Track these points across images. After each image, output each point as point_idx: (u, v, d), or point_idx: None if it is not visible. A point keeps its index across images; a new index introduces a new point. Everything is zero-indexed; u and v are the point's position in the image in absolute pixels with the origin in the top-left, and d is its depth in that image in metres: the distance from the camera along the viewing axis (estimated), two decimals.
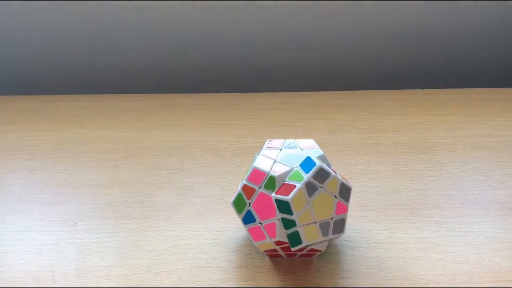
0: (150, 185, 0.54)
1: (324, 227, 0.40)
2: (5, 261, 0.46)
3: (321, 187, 0.40)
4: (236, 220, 0.48)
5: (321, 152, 0.44)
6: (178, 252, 0.47)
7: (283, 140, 0.45)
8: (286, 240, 0.41)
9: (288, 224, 0.40)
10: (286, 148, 0.44)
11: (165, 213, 0.51)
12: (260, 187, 0.42)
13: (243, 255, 0.46)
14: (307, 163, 0.41)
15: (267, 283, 0.44)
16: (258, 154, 0.44)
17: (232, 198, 0.44)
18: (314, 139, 0.45)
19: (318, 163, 0.40)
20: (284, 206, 0.40)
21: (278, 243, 0.42)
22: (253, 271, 0.45)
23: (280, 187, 0.40)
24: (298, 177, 0.40)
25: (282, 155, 0.43)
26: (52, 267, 0.45)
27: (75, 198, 0.52)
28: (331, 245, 0.47)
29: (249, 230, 0.43)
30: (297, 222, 0.39)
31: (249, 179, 0.42)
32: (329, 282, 0.44)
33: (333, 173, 0.41)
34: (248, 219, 0.43)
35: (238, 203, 0.43)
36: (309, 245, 0.41)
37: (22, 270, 0.45)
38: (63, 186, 0.54)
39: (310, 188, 0.40)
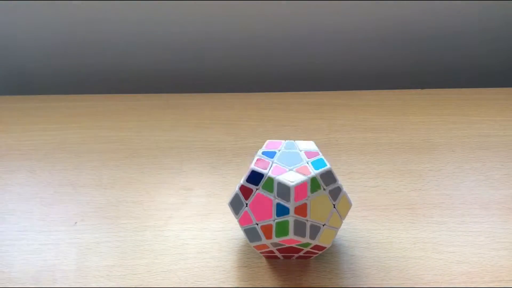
0: (150, 185, 0.54)
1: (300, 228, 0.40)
2: (5, 261, 0.46)
3: (324, 189, 0.41)
4: (236, 220, 0.48)
5: (318, 151, 0.44)
6: (178, 252, 0.47)
7: (282, 141, 0.45)
8: (282, 243, 0.41)
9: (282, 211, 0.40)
10: (285, 149, 0.44)
11: (165, 213, 0.51)
12: (258, 188, 0.42)
13: (243, 255, 0.46)
14: (318, 162, 0.42)
15: (267, 283, 0.44)
16: (256, 155, 0.44)
17: (229, 198, 0.44)
18: (313, 140, 0.45)
19: (328, 165, 0.41)
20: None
21: (274, 244, 0.42)
22: (253, 271, 0.45)
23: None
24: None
25: (280, 156, 0.43)
26: (52, 267, 0.46)
27: (75, 198, 0.52)
28: (330, 245, 0.47)
29: (245, 231, 0.43)
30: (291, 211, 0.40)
31: (247, 180, 0.42)
32: (329, 282, 0.44)
33: (339, 181, 0.42)
34: (244, 220, 0.43)
35: (235, 204, 0.43)
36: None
37: (22, 270, 0.45)
38: (63, 186, 0.54)
39: (314, 185, 0.40)
